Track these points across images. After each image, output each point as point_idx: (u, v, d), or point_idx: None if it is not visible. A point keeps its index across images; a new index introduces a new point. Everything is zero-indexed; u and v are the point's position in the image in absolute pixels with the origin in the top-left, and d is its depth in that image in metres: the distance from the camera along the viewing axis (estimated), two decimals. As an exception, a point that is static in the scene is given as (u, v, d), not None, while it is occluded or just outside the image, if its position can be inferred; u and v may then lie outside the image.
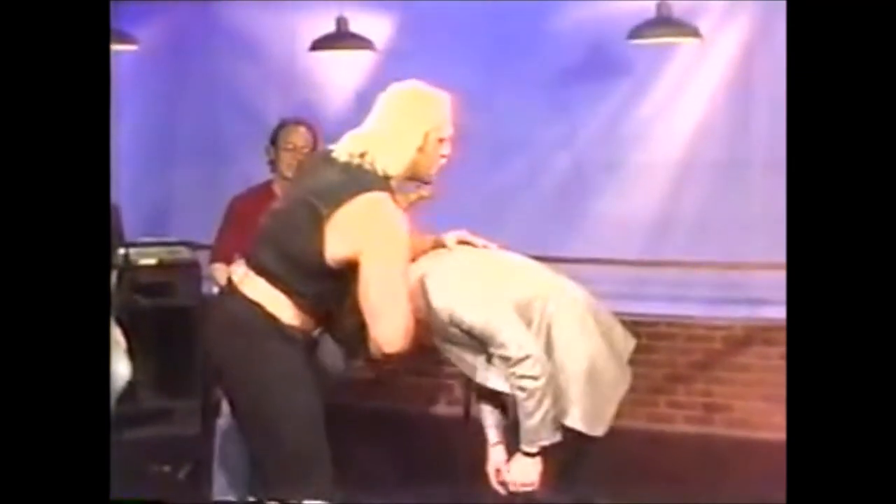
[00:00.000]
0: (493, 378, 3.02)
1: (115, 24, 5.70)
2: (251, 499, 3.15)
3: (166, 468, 4.94)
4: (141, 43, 6.00)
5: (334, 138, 3.10)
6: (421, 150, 3.01)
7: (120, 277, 4.77)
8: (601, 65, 5.81)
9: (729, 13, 5.60)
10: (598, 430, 3.01)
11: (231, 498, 4.19)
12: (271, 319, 3.00)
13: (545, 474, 3.02)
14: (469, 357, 3.05)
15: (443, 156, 3.07)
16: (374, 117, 3.05)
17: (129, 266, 4.92)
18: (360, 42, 5.60)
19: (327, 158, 3.03)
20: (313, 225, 2.91)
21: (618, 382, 3.07)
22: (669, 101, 5.77)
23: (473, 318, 2.97)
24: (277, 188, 4.19)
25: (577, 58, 5.85)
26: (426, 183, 3.15)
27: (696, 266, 5.67)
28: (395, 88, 3.09)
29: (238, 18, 6.45)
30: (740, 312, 5.62)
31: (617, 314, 5.64)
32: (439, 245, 3.27)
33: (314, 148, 4.17)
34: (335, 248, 2.92)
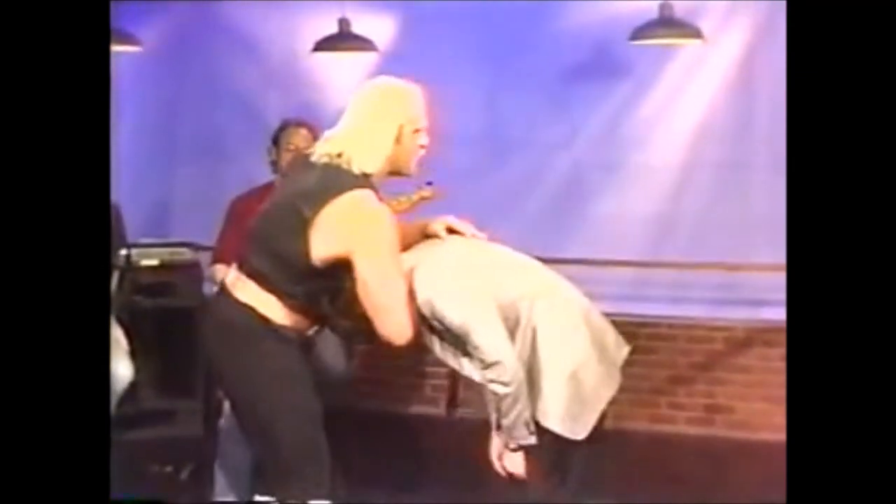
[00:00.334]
0: (476, 374, 3.03)
1: (117, 24, 5.74)
2: (262, 498, 3.16)
3: (168, 469, 4.94)
4: (143, 44, 6.00)
5: (336, 139, 3.11)
6: (397, 143, 3.05)
7: (121, 278, 4.78)
8: (603, 65, 5.81)
9: (731, 14, 5.60)
10: (578, 434, 2.97)
11: (233, 498, 4.20)
12: (263, 321, 3.05)
13: (536, 473, 3.00)
14: (451, 351, 3.05)
15: (421, 146, 3.11)
16: (348, 116, 3.09)
17: (130, 267, 4.93)
18: (362, 43, 5.60)
19: (307, 162, 3.08)
20: (298, 227, 2.96)
21: (603, 388, 3.02)
22: (671, 101, 5.76)
23: (453, 315, 2.96)
24: (278, 189, 4.21)
25: (578, 58, 5.85)
26: (406, 176, 3.15)
27: (698, 267, 5.67)
28: (366, 86, 3.14)
29: (240, 19, 6.45)
30: (741, 314, 5.62)
31: (618, 315, 5.64)
32: (428, 232, 3.23)
33: (315, 149, 4.18)
34: (320, 248, 2.96)
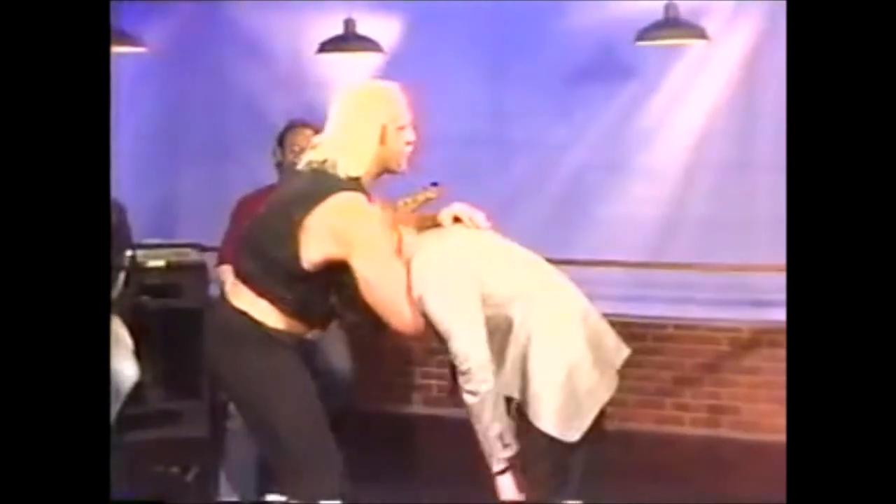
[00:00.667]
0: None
1: (122, 25, 5.76)
2: (274, 497, 3.17)
3: (174, 470, 4.95)
4: (148, 45, 6.01)
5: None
6: (382, 143, 3.06)
7: (127, 279, 4.78)
8: (607, 66, 5.81)
9: (736, 14, 5.60)
10: (571, 437, 2.94)
11: (239, 499, 4.20)
12: (258, 326, 3.06)
13: (538, 475, 2.98)
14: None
15: (408, 143, 3.11)
16: (331, 122, 3.11)
17: (136, 268, 4.93)
18: (367, 44, 5.60)
19: (295, 170, 3.13)
20: (287, 232, 2.99)
21: (599, 391, 2.99)
22: (675, 102, 5.76)
23: (437, 315, 2.96)
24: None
25: (583, 59, 5.85)
26: (397, 173, 3.14)
27: (703, 268, 5.66)
28: (345, 90, 3.17)
29: (246, 20, 6.45)
30: (747, 314, 5.62)
31: (623, 316, 5.69)
32: (437, 221, 3.22)
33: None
34: (312, 252, 2.98)
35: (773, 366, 5.45)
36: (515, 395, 3.00)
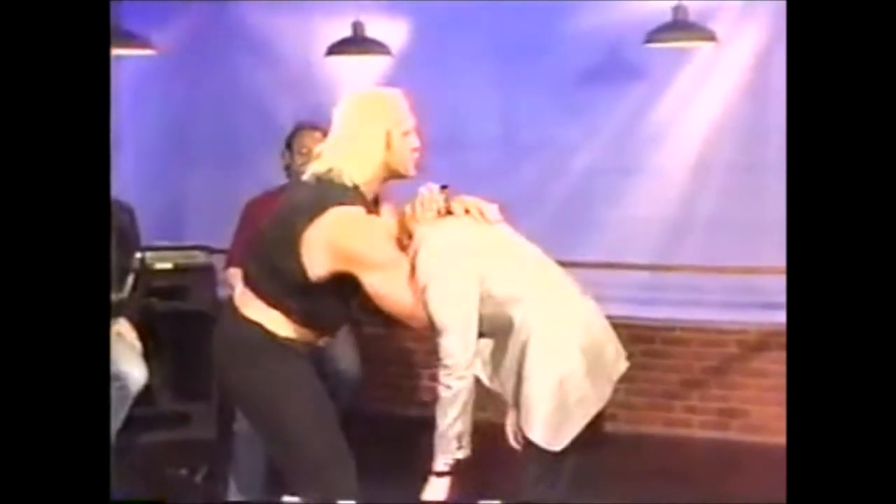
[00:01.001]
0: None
1: (131, 27, 5.76)
2: (289, 499, 3.17)
3: (183, 471, 4.95)
4: (157, 47, 6.02)
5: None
6: (388, 149, 3.05)
7: (136, 281, 4.79)
8: (616, 68, 5.80)
9: (744, 16, 5.59)
10: (555, 446, 2.91)
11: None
12: (270, 336, 3.07)
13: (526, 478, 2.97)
14: None
15: (413, 150, 3.10)
16: (334, 130, 3.11)
17: (145, 270, 4.93)
18: (376, 47, 5.60)
19: (300, 181, 3.14)
20: (291, 245, 2.99)
21: (589, 402, 2.95)
22: (684, 104, 5.75)
23: (436, 308, 2.95)
24: (293, 192, 4.21)
25: (592, 61, 5.85)
26: (408, 178, 3.13)
27: (711, 270, 5.65)
28: (347, 97, 3.16)
29: (255, 23, 6.46)
30: (756, 317, 5.60)
31: (631, 319, 5.68)
32: (450, 208, 3.19)
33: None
34: (314, 266, 2.98)
35: (782, 368, 5.39)
36: (508, 397, 2.99)
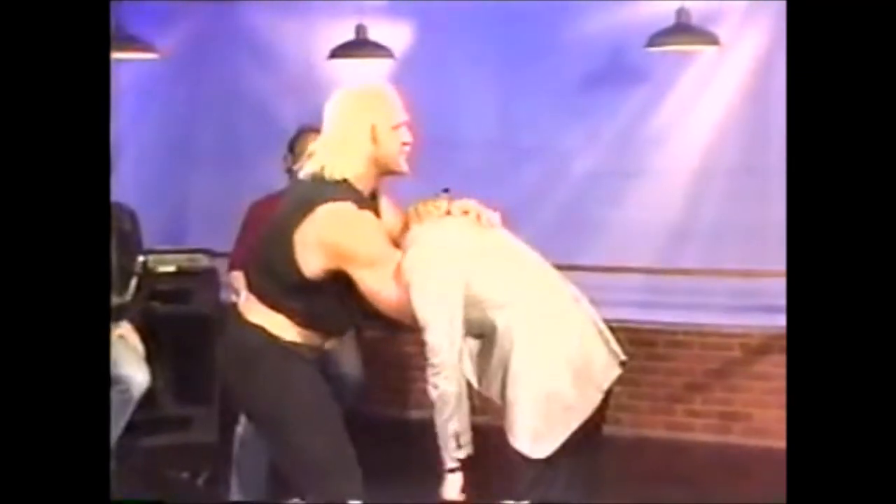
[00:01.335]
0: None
1: (134, 31, 5.77)
2: (294, 502, 3.18)
3: (185, 475, 4.95)
4: (159, 51, 6.03)
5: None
6: (375, 144, 3.05)
7: (138, 284, 4.79)
8: (619, 72, 5.80)
9: (747, 19, 5.59)
10: (538, 454, 2.88)
11: (249, 504, 4.21)
12: (273, 340, 3.06)
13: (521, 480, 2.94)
14: None
15: (404, 143, 3.09)
16: (324, 128, 3.11)
17: (147, 273, 4.94)
18: (378, 50, 5.61)
19: (297, 180, 3.15)
20: (285, 242, 3.00)
21: (574, 411, 2.90)
22: (687, 107, 5.75)
23: (418, 303, 2.92)
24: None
25: (594, 64, 5.85)
26: (401, 174, 3.12)
27: (714, 274, 5.65)
28: (335, 95, 3.15)
29: (257, 26, 6.47)
30: (758, 320, 5.60)
31: (633, 322, 5.67)
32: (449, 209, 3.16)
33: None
34: (308, 265, 2.99)
35: (784, 372, 5.42)
36: (497, 399, 2.95)
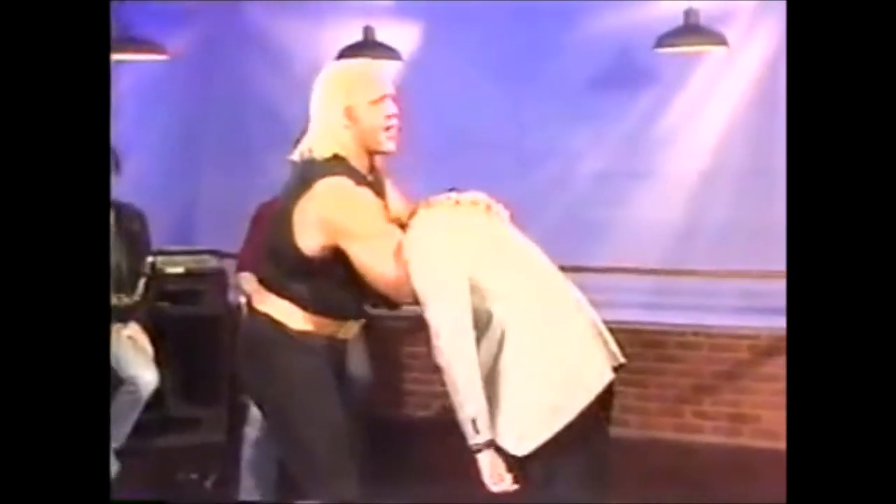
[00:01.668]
0: None
1: (144, 32, 5.78)
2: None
3: (194, 476, 4.95)
4: (170, 52, 6.05)
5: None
6: (353, 121, 3.05)
7: (147, 286, 4.80)
8: (627, 72, 5.80)
9: (756, 20, 5.58)
10: (520, 451, 2.85)
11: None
12: (282, 329, 3.08)
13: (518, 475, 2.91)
14: None
15: (388, 117, 3.07)
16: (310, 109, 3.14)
17: (156, 274, 4.95)
18: (386, 51, 5.61)
19: (293, 165, 3.16)
20: (286, 222, 3.02)
21: (562, 412, 2.85)
22: (695, 108, 5.75)
23: (418, 280, 2.89)
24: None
25: (603, 66, 5.85)
26: (386, 152, 3.11)
27: (722, 275, 5.64)
28: (317, 77, 3.16)
29: (266, 28, 6.48)
30: (766, 322, 5.58)
31: (641, 324, 5.65)
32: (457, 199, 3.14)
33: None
34: (306, 242, 3.01)
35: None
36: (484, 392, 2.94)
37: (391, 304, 3.11)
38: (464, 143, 5.83)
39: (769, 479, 5.05)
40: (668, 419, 5.78)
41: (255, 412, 4.15)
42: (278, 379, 3.10)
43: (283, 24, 6.42)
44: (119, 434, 4.74)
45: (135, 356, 4.68)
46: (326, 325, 3.12)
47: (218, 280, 5.63)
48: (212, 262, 5.71)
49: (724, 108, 5.68)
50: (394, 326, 5.76)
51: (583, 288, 3.13)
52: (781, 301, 5.61)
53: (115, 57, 5.91)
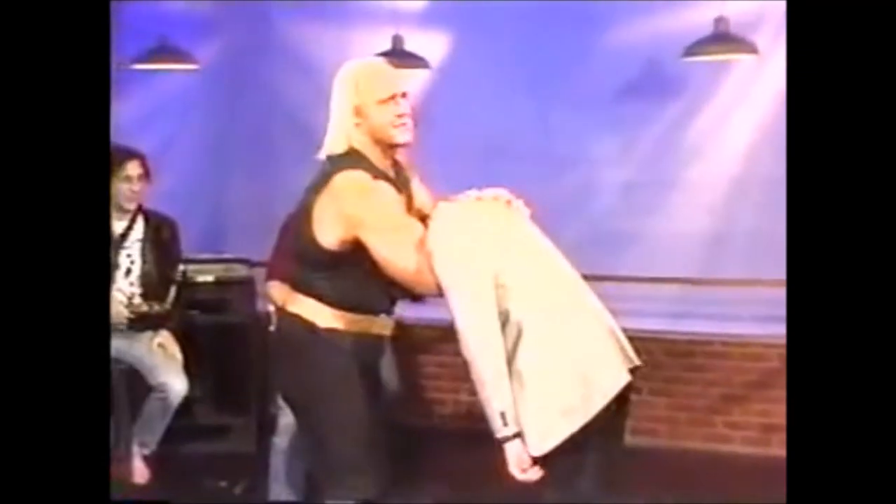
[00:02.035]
0: None
1: (175, 43, 5.83)
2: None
3: (223, 483, 4.97)
4: (200, 62, 6.09)
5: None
6: (363, 117, 3.11)
7: (178, 294, 4.83)
8: (656, 81, 5.78)
9: (784, 28, 5.55)
10: (536, 451, 2.85)
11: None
12: (310, 328, 3.11)
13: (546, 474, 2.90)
14: None
15: (398, 116, 3.10)
16: None
17: (186, 282, 4.98)
18: (415, 60, 5.62)
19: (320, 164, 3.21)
20: (307, 218, 3.07)
21: (575, 414, 2.85)
22: (724, 117, 5.72)
23: (440, 268, 2.90)
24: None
25: (631, 74, 5.84)
26: (400, 145, 3.14)
27: (752, 284, 5.61)
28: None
29: (295, 37, 6.50)
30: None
31: (671, 333, 5.62)
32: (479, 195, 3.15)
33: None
34: (323, 233, 3.04)
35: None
36: None
37: (415, 296, 3.12)
38: (491, 151, 5.83)
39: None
40: (697, 429, 5.74)
41: (284, 422, 4.17)
42: (305, 377, 3.14)
43: (311, 33, 6.44)
44: (149, 440, 4.77)
45: (165, 364, 4.71)
46: (356, 322, 3.13)
47: (247, 289, 5.66)
48: (241, 271, 5.74)
49: (752, 117, 5.65)
50: (423, 334, 5.77)
51: (610, 297, 3.12)
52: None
53: (147, 67, 5.98)
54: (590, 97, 5.87)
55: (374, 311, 3.17)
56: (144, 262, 4.79)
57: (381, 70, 3.20)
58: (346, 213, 3.00)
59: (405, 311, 3.39)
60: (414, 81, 5.83)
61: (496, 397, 2.85)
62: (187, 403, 4.80)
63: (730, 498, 4.87)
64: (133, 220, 4.80)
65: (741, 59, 5.44)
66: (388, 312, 3.22)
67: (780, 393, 5.62)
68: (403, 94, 3.12)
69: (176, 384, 4.66)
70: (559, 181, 5.95)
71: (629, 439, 3.21)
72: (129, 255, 4.77)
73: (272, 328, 3.44)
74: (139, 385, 4.77)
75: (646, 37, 5.69)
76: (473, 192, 3.09)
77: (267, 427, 4.60)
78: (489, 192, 3.10)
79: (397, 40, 5.60)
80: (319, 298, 3.10)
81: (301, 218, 3.11)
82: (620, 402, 2.95)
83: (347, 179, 3.03)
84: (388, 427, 3.30)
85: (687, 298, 5.82)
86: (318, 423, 3.14)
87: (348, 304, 3.11)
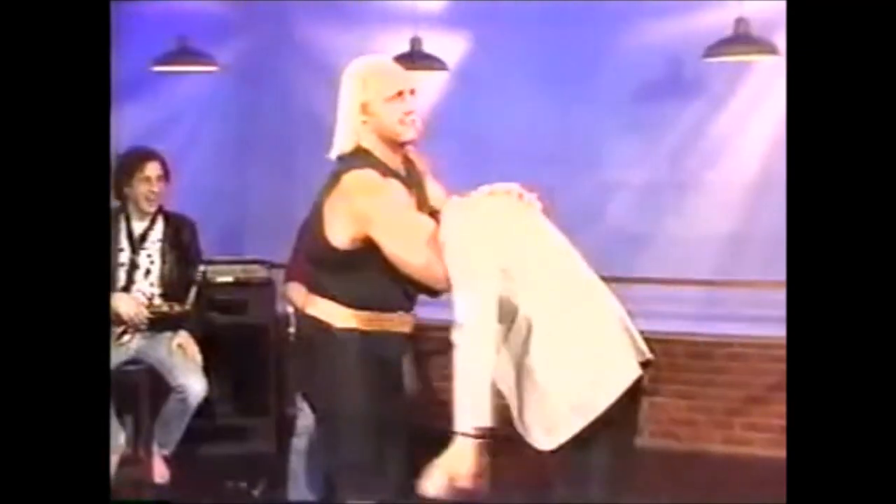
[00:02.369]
0: None
1: (195, 45, 5.85)
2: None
3: (242, 484, 4.98)
4: (220, 64, 6.11)
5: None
6: (370, 115, 3.11)
7: (198, 295, 4.85)
8: (677, 82, 5.77)
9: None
10: (544, 447, 2.85)
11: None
12: (327, 329, 3.11)
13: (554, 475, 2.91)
14: None
15: (405, 113, 3.10)
16: None
17: (206, 283, 4.99)
18: (433, 62, 5.63)
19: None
20: (318, 219, 3.08)
21: (585, 410, 2.83)
22: (744, 118, 5.70)
23: (451, 262, 2.89)
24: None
25: (652, 75, 5.82)
26: (406, 141, 3.14)
27: (771, 285, 5.58)
28: None
29: (314, 40, 6.52)
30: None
31: (691, 335, 5.59)
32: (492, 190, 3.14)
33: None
34: (334, 232, 3.04)
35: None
36: (504, 388, 2.91)
37: (431, 292, 3.11)
38: (510, 152, 5.83)
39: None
40: (717, 431, 5.72)
41: (302, 423, 4.17)
42: (322, 379, 3.15)
43: (331, 35, 6.45)
44: (169, 440, 4.78)
45: (184, 364, 4.73)
46: (372, 321, 3.12)
47: (266, 290, 5.67)
48: (260, 272, 5.75)
49: (773, 117, 5.63)
50: (444, 336, 5.77)
51: (630, 299, 3.11)
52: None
53: (168, 69, 6.01)
54: (610, 98, 5.86)
55: (391, 309, 3.16)
56: (164, 262, 4.81)
57: (387, 67, 3.21)
58: (356, 211, 3.01)
59: (426, 311, 3.39)
60: (433, 83, 5.85)
61: (475, 393, 2.84)
62: (206, 404, 4.81)
63: (750, 500, 4.85)
64: (153, 221, 4.83)
65: (762, 60, 5.42)
66: (406, 309, 3.20)
67: (801, 395, 5.62)
68: (411, 91, 3.12)
69: (195, 385, 4.67)
70: (580, 182, 5.94)
71: (648, 441, 3.19)
72: (149, 256, 4.80)
73: (291, 330, 3.46)
74: (159, 386, 4.78)
75: (666, 37, 5.68)
76: (486, 187, 3.08)
77: (286, 428, 4.60)
78: (501, 186, 3.09)
79: (416, 42, 5.60)
80: (334, 299, 3.10)
81: (313, 219, 3.13)
82: (633, 396, 2.92)
83: (356, 178, 3.03)
84: (407, 428, 3.29)
85: (707, 300, 5.80)
86: (336, 423, 3.14)
87: (363, 304, 3.11)
